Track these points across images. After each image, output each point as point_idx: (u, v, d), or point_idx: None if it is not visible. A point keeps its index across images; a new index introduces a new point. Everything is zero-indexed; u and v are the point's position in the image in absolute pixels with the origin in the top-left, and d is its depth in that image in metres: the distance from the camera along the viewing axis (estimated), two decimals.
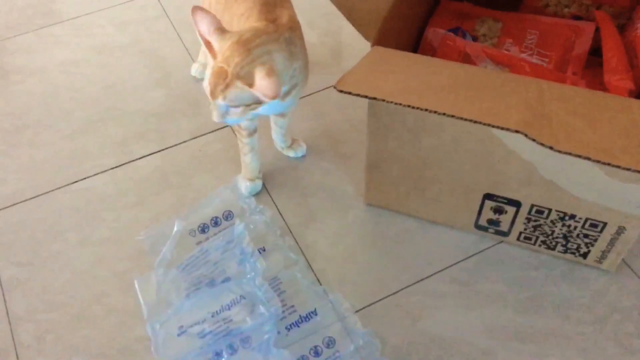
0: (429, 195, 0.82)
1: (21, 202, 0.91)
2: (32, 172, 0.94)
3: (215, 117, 0.70)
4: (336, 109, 1.02)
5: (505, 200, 0.78)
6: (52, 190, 0.92)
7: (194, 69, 1.05)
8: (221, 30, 0.68)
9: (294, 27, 0.72)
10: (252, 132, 0.85)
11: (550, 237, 0.80)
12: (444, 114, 0.58)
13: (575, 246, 0.80)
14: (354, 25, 0.66)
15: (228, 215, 0.86)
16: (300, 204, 0.90)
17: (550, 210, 0.76)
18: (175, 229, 0.83)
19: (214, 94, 0.67)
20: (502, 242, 0.85)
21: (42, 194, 0.92)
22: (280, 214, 0.89)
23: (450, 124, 0.70)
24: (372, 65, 0.67)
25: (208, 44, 0.68)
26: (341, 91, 0.61)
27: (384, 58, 0.69)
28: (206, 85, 0.68)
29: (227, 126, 0.99)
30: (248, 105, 0.69)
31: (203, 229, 0.85)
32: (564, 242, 0.80)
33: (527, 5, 0.97)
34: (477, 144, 0.71)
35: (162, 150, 0.97)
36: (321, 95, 1.03)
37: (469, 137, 0.71)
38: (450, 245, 0.85)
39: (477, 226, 0.84)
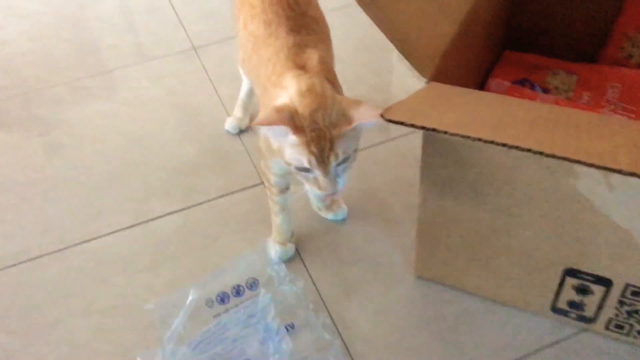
0: (495, 269, 0.68)
1: (25, 261, 0.81)
2: (41, 228, 0.85)
3: (331, 189, 0.58)
4: (383, 169, 0.90)
5: (592, 278, 0.63)
6: (61, 250, 0.82)
7: (229, 123, 0.96)
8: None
9: (324, 69, 0.62)
10: (284, 189, 0.74)
11: None
12: (524, 149, 0.45)
13: None
14: (407, 58, 0.56)
15: (253, 284, 0.73)
16: (338, 274, 0.77)
17: None
18: (190, 297, 0.71)
19: (324, 161, 0.57)
20: (585, 330, 0.68)
21: (48, 253, 0.82)
22: (315, 284, 0.76)
23: (524, 174, 0.57)
24: (428, 97, 0.56)
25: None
26: (390, 120, 0.49)
27: (444, 92, 0.58)
28: (311, 162, 0.57)
29: (258, 184, 0.88)
30: (354, 151, 0.59)
31: (222, 298, 0.72)
32: None
33: (607, 57, 0.85)
34: (558, 204, 0.57)
35: (186, 209, 0.86)
36: (367, 152, 0.91)
37: (548, 194, 0.57)
38: (521, 332, 0.69)
39: (555, 309, 0.68)
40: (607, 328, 0.67)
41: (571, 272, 0.63)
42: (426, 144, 0.60)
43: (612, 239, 0.58)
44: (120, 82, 1.09)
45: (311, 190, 0.60)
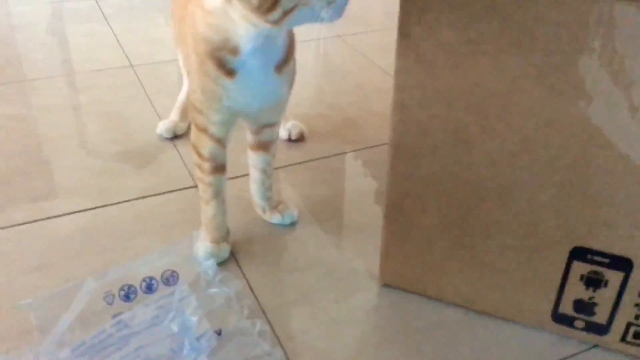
0: (481, 260, 0.54)
1: None
2: None
3: None
4: (348, 177, 0.77)
5: (606, 260, 0.49)
6: None
7: (162, 127, 0.83)
8: None
9: None
10: (218, 167, 0.60)
11: None
12: None
13: None
14: None
15: (170, 278, 0.55)
16: (283, 280, 0.61)
17: None
18: (83, 289, 0.53)
19: None
20: (595, 345, 0.54)
21: None
22: (252, 290, 0.59)
23: (522, 102, 0.45)
24: None
25: None
26: None
27: None
28: None
29: (191, 187, 0.73)
30: None
31: (127, 294, 0.54)
32: None
33: None
34: (562, 146, 0.46)
35: (95, 208, 0.70)
36: (328, 162, 0.79)
37: (550, 131, 0.46)
38: (513, 349, 0.54)
39: (557, 317, 0.54)
40: (624, 339, 0.53)
41: (579, 253, 0.50)
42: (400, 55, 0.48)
43: (634, 195, 0.46)
44: (41, 90, 0.95)
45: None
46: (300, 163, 0.79)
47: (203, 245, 0.62)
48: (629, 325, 0.52)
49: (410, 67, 0.48)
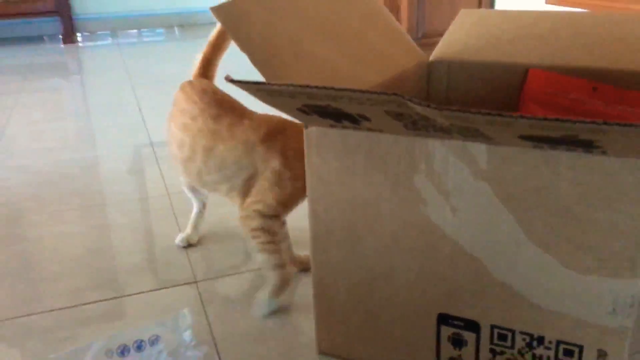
0: (382, 327, 0.71)
1: None
2: None
3: None
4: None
5: (461, 323, 0.66)
6: None
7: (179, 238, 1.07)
8: None
9: None
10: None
11: None
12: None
13: None
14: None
15: (155, 341, 0.76)
16: (243, 348, 0.79)
17: (513, 332, 0.63)
18: (92, 348, 0.74)
19: None
20: None
21: None
22: (218, 354, 0.78)
23: (383, 209, 0.65)
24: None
25: None
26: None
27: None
28: None
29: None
30: None
31: (123, 351, 0.74)
32: None
33: None
34: (417, 236, 0.65)
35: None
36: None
37: (406, 226, 0.65)
38: None
39: None
40: None
41: (444, 319, 0.67)
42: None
43: (469, 271, 0.64)
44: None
45: None
46: None
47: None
48: None
49: (315, 186, 0.70)
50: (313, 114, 0.60)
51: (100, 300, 0.92)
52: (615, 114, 0.85)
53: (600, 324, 0.59)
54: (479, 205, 0.61)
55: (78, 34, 3.43)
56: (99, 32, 3.49)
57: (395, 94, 0.46)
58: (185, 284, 0.96)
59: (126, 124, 1.78)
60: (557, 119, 0.44)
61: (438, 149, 0.61)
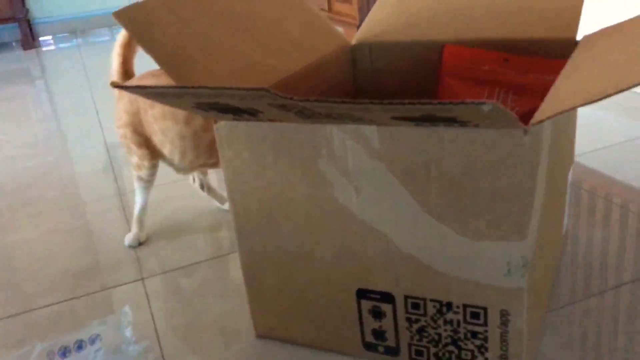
0: (309, 306, 0.75)
1: None
2: None
3: None
4: None
5: (378, 296, 0.70)
6: None
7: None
8: None
9: None
10: None
11: (441, 346, 0.68)
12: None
13: (469, 356, 0.67)
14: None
15: (95, 339, 0.79)
16: (185, 336, 0.83)
17: (425, 301, 0.67)
18: (35, 350, 0.77)
19: None
20: None
21: None
22: (160, 343, 0.81)
23: (296, 192, 0.68)
24: None
25: None
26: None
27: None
28: None
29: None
30: None
31: (64, 352, 0.77)
32: (456, 352, 0.68)
33: None
34: (327, 215, 0.68)
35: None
36: None
37: (322, 208, 0.68)
38: None
39: (366, 345, 0.73)
40: (411, 358, 0.71)
41: (362, 293, 0.70)
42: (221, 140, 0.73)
43: (378, 246, 0.67)
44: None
45: None
46: None
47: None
48: (410, 346, 0.70)
49: (231, 177, 0.73)
50: (211, 110, 0.62)
51: (50, 305, 0.94)
52: (526, 82, 0.88)
53: (499, 285, 0.62)
54: (378, 183, 0.64)
55: (39, 39, 3.41)
56: (59, 35, 3.47)
57: (262, 89, 0.49)
58: (133, 281, 0.98)
59: (83, 127, 1.79)
60: (410, 102, 0.46)
61: (335, 133, 0.64)
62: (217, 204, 1.17)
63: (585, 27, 0.87)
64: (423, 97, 0.99)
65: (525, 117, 0.91)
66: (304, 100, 0.49)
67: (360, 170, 0.64)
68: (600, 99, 0.52)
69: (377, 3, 1.06)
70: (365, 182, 0.64)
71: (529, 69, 0.88)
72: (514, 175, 0.57)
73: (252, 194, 0.72)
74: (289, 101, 0.49)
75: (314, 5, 1.01)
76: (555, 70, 0.87)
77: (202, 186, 1.15)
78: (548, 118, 0.54)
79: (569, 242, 0.95)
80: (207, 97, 0.55)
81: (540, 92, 0.89)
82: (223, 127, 0.70)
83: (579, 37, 0.85)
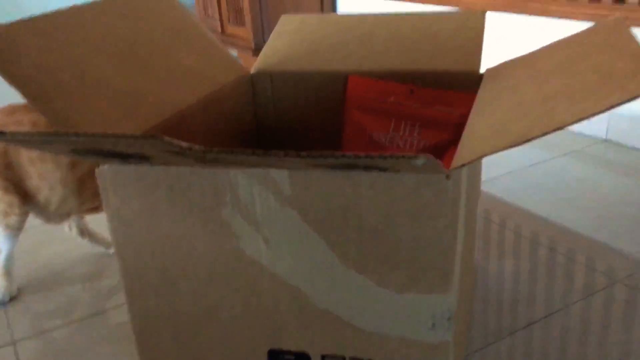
0: None
1: None
2: None
3: None
4: None
5: (292, 357, 0.62)
6: None
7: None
8: None
9: None
10: None
11: None
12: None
13: None
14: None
15: None
16: None
17: (344, 359, 0.61)
18: None
19: None
20: None
21: None
22: None
23: (197, 248, 0.60)
24: None
25: None
26: None
27: None
28: None
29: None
30: None
31: None
32: None
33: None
34: (233, 271, 0.60)
35: None
36: None
37: (225, 262, 0.60)
38: None
39: None
40: None
41: (274, 355, 0.63)
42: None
43: (291, 301, 0.60)
44: None
45: None
46: None
47: None
48: None
49: (118, 228, 0.63)
50: (91, 155, 0.53)
51: None
52: (432, 114, 0.86)
53: (423, 340, 0.57)
54: (289, 233, 0.57)
55: None
56: None
57: (154, 136, 0.41)
58: (2, 346, 0.84)
59: None
60: (332, 155, 0.41)
61: (241, 178, 0.56)
62: (102, 248, 1.05)
63: (487, 60, 0.87)
64: (327, 128, 0.94)
65: (434, 151, 0.90)
66: (207, 151, 0.41)
67: (269, 219, 0.57)
68: (526, 141, 0.49)
69: (275, 29, 1.00)
70: (276, 232, 0.58)
71: (435, 101, 0.86)
72: (436, 223, 0.53)
73: (144, 248, 0.62)
74: (188, 151, 0.42)
75: (208, 30, 0.93)
76: (462, 103, 0.85)
77: (81, 232, 1.02)
78: (471, 162, 0.50)
79: (479, 277, 0.94)
80: (86, 144, 0.46)
81: (447, 125, 0.87)
82: (107, 172, 0.60)
83: (482, 69, 0.84)
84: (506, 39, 1.64)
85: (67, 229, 1.01)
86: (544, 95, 0.57)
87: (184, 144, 0.41)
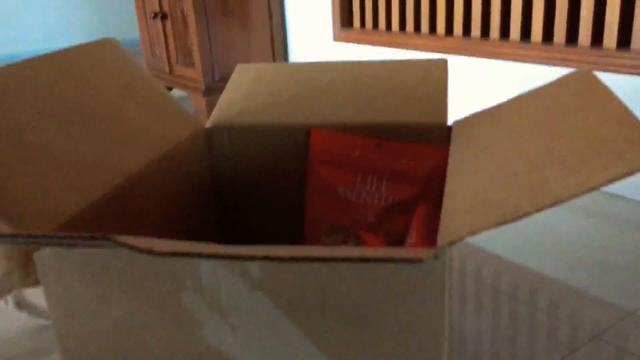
0: None
1: None
2: None
3: None
4: None
5: None
6: None
7: None
8: None
9: None
10: None
11: None
12: None
13: None
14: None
15: None
16: None
17: None
18: None
19: None
20: None
21: None
22: None
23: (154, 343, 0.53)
24: None
25: None
26: None
27: None
28: None
29: None
30: None
31: None
32: None
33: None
34: (192, 356, 0.54)
35: None
36: None
37: (186, 354, 0.53)
38: None
39: None
40: None
41: None
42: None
43: None
44: None
45: None
46: None
47: None
48: None
49: (61, 319, 0.55)
50: (30, 244, 0.46)
51: None
52: (400, 168, 0.82)
53: None
54: (260, 320, 0.51)
55: None
56: None
57: (105, 237, 0.35)
58: None
59: None
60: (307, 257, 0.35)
61: (204, 260, 0.50)
62: (43, 321, 0.95)
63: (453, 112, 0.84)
64: (289, 184, 0.89)
65: (402, 206, 0.85)
66: (166, 254, 0.35)
67: (237, 305, 0.51)
68: (518, 218, 0.45)
69: (231, 80, 0.95)
70: (244, 319, 0.51)
71: (402, 154, 0.82)
72: (424, 308, 0.48)
73: (91, 339, 0.55)
74: (147, 253, 0.36)
75: (159, 82, 0.87)
76: (430, 156, 0.82)
77: (18, 305, 0.92)
78: (461, 239, 0.45)
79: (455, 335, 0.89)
80: (23, 243, 0.39)
81: (415, 179, 0.83)
82: (47, 256, 0.53)
83: (449, 121, 0.81)
84: (459, 82, 1.64)
85: (3, 302, 0.92)
86: (527, 160, 0.53)
87: (142, 246, 0.35)
